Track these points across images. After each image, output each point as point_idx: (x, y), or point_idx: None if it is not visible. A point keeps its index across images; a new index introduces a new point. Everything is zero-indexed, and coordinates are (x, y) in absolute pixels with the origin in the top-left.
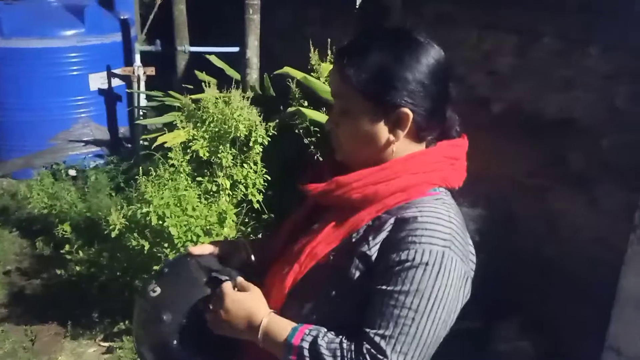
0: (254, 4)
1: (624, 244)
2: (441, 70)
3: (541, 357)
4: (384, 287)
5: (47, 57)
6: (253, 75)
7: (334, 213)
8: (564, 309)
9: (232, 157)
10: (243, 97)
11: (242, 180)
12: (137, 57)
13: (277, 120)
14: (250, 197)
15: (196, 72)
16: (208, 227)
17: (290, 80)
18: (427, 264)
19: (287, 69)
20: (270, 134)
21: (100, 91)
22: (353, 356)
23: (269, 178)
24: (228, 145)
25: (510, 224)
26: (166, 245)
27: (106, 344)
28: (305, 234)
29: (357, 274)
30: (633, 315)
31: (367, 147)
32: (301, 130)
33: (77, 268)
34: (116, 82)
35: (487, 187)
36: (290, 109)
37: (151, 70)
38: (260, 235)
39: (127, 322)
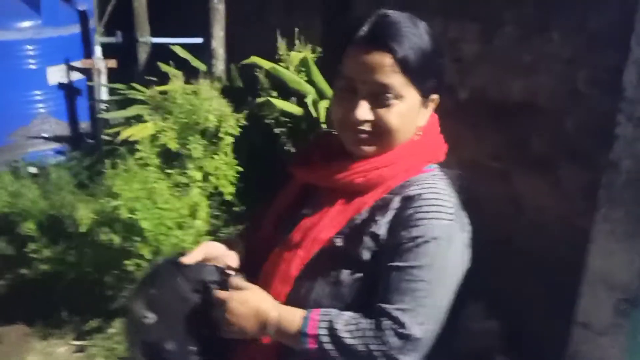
0: None
1: (587, 223)
2: None
3: (510, 336)
4: (398, 263)
5: (2, 50)
6: (219, 66)
7: (332, 197)
8: (530, 289)
9: (202, 149)
10: (212, 87)
11: (213, 172)
12: (98, 50)
13: (247, 111)
14: (221, 188)
15: (159, 63)
16: (180, 220)
17: (258, 70)
18: (437, 238)
19: (254, 59)
20: (241, 124)
21: (60, 85)
22: (374, 334)
23: (241, 169)
24: (198, 136)
25: (475, 207)
26: (138, 239)
27: (77, 343)
28: (296, 219)
29: (367, 254)
30: (601, 290)
31: (408, 133)
32: (272, 121)
33: (43, 267)
34: (76, 76)
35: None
36: (259, 100)
37: (112, 63)
38: (233, 229)
39: (98, 319)
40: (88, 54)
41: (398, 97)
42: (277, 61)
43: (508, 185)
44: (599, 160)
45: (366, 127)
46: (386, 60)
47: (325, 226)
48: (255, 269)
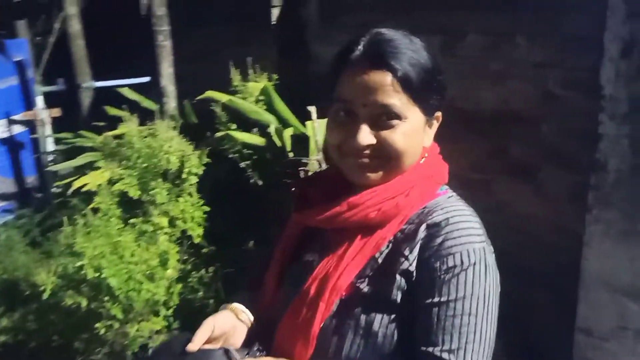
0: (163, 30)
1: (577, 226)
2: None
3: (513, 349)
4: (437, 299)
5: None
6: (170, 104)
7: (343, 237)
8: (526, 299)
9: (166, 193)
10: (168, 127)
11: (180, 216)
12: (39, 100)
13: (209, 148)
14: (190, 232)
15: (107, 107)
16: (150, 272)
17: (214, 104)
18: (474, 264)
19: (210, 94)
20: (204, 162)
21: (2, 141)
22: None
23: (207, 209)
24: (160, 180)
25: None
26: (107, 299)
27: None
28: (304, 268)
29: (399, 294)
30: (599, 294)
31: (415, 155)
32: (236, 155)
33: (2, 338)
34: (18, 129)
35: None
36: (218, 134)
37: (56, 112)
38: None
39: None
40: (29, 105)
41: (401, 117)
42: (232, 93)
43: (491, 196)
44: (581, 161)
45: (369, 153)
46: (386, 79)
47: (344, 271)
48: (267, 332)
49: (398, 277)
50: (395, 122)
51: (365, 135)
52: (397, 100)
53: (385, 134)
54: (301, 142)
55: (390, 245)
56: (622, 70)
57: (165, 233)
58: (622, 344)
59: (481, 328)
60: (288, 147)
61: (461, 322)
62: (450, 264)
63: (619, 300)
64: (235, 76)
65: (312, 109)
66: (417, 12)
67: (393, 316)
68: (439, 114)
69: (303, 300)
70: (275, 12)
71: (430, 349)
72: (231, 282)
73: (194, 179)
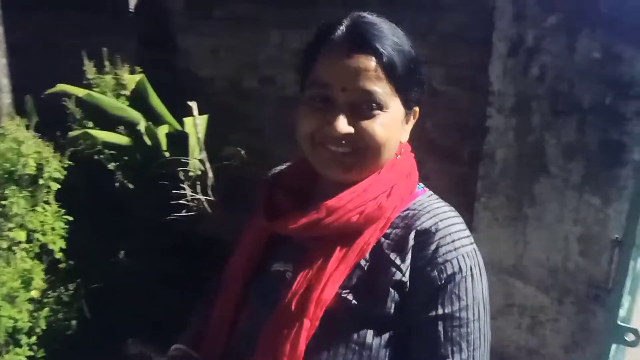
0: None
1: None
2: None
3: None
4: (441, 312)
5: None
6: (5, 100)
7: (319, 244)
8: None
9: (23, 202)
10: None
11: (39, 228)
12: None
13: (70, 150)
14: (50, 246)
15: None
16: (12, 294)
17: (67, 99)
18: (471, 268)
19: (62, 87)
20: (65, 165)
21: None
22: None
23: (70, 218)
24: (14, 188)
25: None
26: None
27: None
28: (273, 279)
29: (393, 306)
30: (488, 276)
31: (393, 147)
32: (101, 157)
33: None
34: None
35: None
36: (72, 133)
37: None
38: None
39: None
40: None
41: (383, 107)
42: (88, 87)
43: None
44: (464, 153)
45: (345, 143)
46: (370, 64)
47: (328, 282)
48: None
49: (391, 289)
50: (376, 112)
51: (344, 123)
52: (380, 87)
53: (365, 123)
54: (177, 140)
55: (375, 250)
56: (510, 67)
57: (23, 249)
58: (508, 320)
59: (485, 330)
60: (163, 146)
61: (467, 331)
62: (450, 271)
63: (505, 281)
64: (90, 68)
65: (193, 104)
66: (293, 6)
67: (386, 328)
68: (417, 109)
69: (283, 317)
70: (132, 0)
71: None
72: (97, 299)
73: (55, 186)
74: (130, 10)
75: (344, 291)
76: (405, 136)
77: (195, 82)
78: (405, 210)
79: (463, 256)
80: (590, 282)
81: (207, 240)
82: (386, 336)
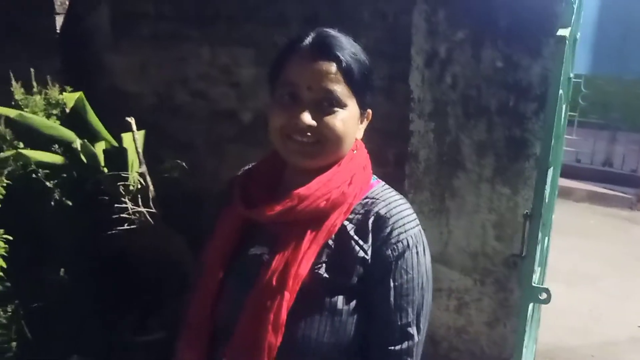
0: None
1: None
2: None
3: None
4: (392, 283)
5: None
6: None
7: (291, 227)
8: None
9: None
10: None
11: None
12: None
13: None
14: None
15: None
16: None
17: None
18: (416, 245)
19: None
20: (4, 184)
21: None
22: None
23: (10, 238)
24: None
25: None
26: None
27: None
28: (252, 261)
29: (356, 279)
30: None
31: (349, 142)
32: (36, 176)
33: None
34: None
35: None
36: (4, 154)
37: None
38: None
39: None
40: None
41: (341, 105)
42: (16, 108)
43: None
44: (388, 156)
45: (310, 135)
46: (331, 68)
47: (302, 260)
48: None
49: (357, 264)
50: (336, 109)
51: (308, 117)
52: (339, 88)
53: (326, 118)
54: (115, 156)
55: (341, 232)
56: (426, 77)
57: None
58: (437, 303)
59: (427, 298)
60: (101, 162)
61: (412, 299)
62: (400, 250)
63: (433, 267)
64: (17, 89)
65: (131, 120)
66: (222, 23)
67: (352, 297)
68: (369, 111)
69: (265, 291)
70: (59, 20)
71: (392, 325)
72: (37, 319)
73: None
74: (57, 32)
75: (316, 266)
76: (360, 134)
77: (124, 99)
78: (364, 199)
79: (411, 236)
80: (507, 262)
81: (147, 253)
82: (353, 304)
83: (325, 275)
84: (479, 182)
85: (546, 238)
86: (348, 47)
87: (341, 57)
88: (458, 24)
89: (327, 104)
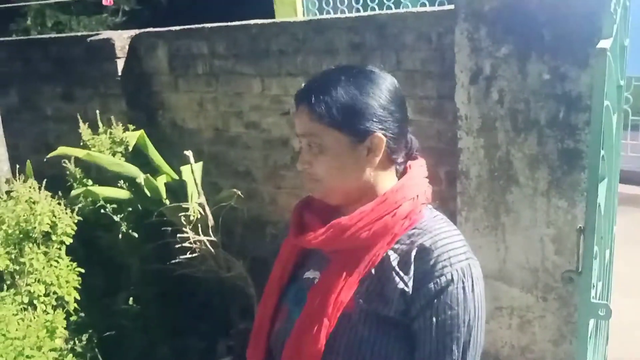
0: None
1: None
2: (400, 95)
3: None
4: (434, 318)
5: None
6: (3, 167)
7: (341, 255)
8: None
9: (42, 257)
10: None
11: (55, 281)
12: None
13: (78, 206)
14: (67, 297)
15: None
16: (39, 344)
17: (66, 160)
18: (462, 280)
19: (63, 150)
20: (76, 221)
21: None
22: None
23: (82, 271)
24: (33, 245)
25: None
26: None
27: None
28: (307, 285)
29: (396, 310)
30: None
31: (347, 178)
32: (105, 211)
33: None
34: None
35: None
36: (75, 192)
37: None
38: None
39: None
40: None
41: (321, 146)
42: (85, 148)
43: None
44: (439, 174)
45: (309, 175)
46: (307, 111)
47: (344, 287)
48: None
49: (397, 295)
50: (316, 150)
51: (301, 162)
52: (313, 129)
53: (312, 159)
54: (176, 189)
55: (384, 262)
56: (472, 94)
57: (42, 302)
58: (499, 322)
59: (477, 336)
60: (163, 195)
61: (457, 335)
62: (444, 284)
63: (491, 285)
64: (84, 130)
65: (189, 153)
66: (273, 57)
67: (394, 329)
68: (377, 137)
69: (308, 316)
70: (120, 64)
71: None
72: (110, 347)
73: (68, 240)
74: (118, 75)
75: (357, 295)
76: (373, 163)
77: (183, 134)
78: (412, 229)
79: (457, 270)
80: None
81: (210, 279)
82: (394, 336)
83: (365, 305)
84: (534, 196)
85: (607, 251)
86: (327, 87)
87: (312, 101)
88: (501, 40)
89: (313, 145)
